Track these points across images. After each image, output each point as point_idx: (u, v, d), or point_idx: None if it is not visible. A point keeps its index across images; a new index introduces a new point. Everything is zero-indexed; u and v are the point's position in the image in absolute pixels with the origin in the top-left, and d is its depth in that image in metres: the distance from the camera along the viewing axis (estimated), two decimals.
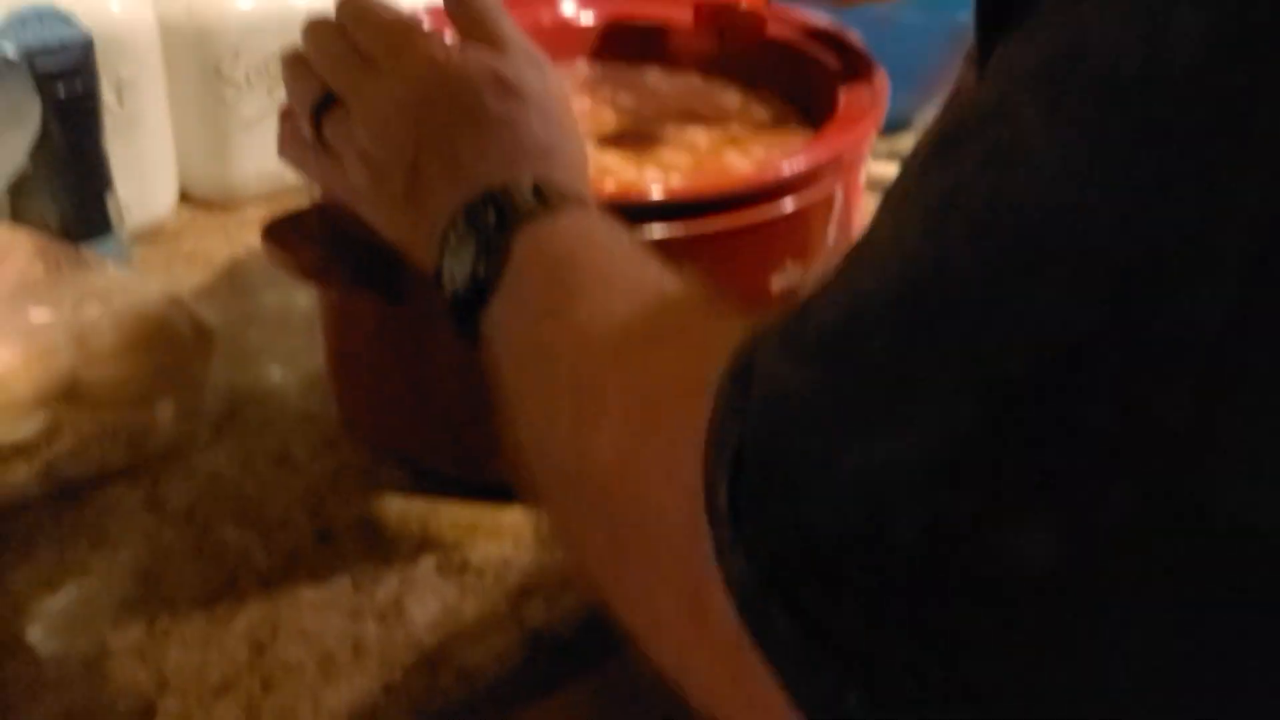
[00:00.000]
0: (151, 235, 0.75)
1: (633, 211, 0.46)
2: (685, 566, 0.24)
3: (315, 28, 0.48)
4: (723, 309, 0.31)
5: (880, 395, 0.20)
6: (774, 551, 0.21)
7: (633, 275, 0.35)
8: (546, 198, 0.38)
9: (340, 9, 0.47)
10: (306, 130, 0.47)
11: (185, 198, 0.79)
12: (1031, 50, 0.21)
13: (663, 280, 0.34)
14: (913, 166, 0.23)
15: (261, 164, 0.79)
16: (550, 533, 0.36)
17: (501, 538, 0.56)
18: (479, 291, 0.38)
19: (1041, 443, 0.18)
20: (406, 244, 0.45)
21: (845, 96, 0.60)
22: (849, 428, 0.20)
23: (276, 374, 0.66)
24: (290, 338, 0.69)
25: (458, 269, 0.39)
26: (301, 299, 0.71)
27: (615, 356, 0.31)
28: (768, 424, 0.22)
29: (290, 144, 0.49)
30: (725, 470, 0.22)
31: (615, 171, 0.60)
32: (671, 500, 0.25)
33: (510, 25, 0.46)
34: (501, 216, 0.38)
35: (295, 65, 0.48)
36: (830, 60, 0.65)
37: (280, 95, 0.77)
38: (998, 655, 0.19)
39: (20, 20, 0.59)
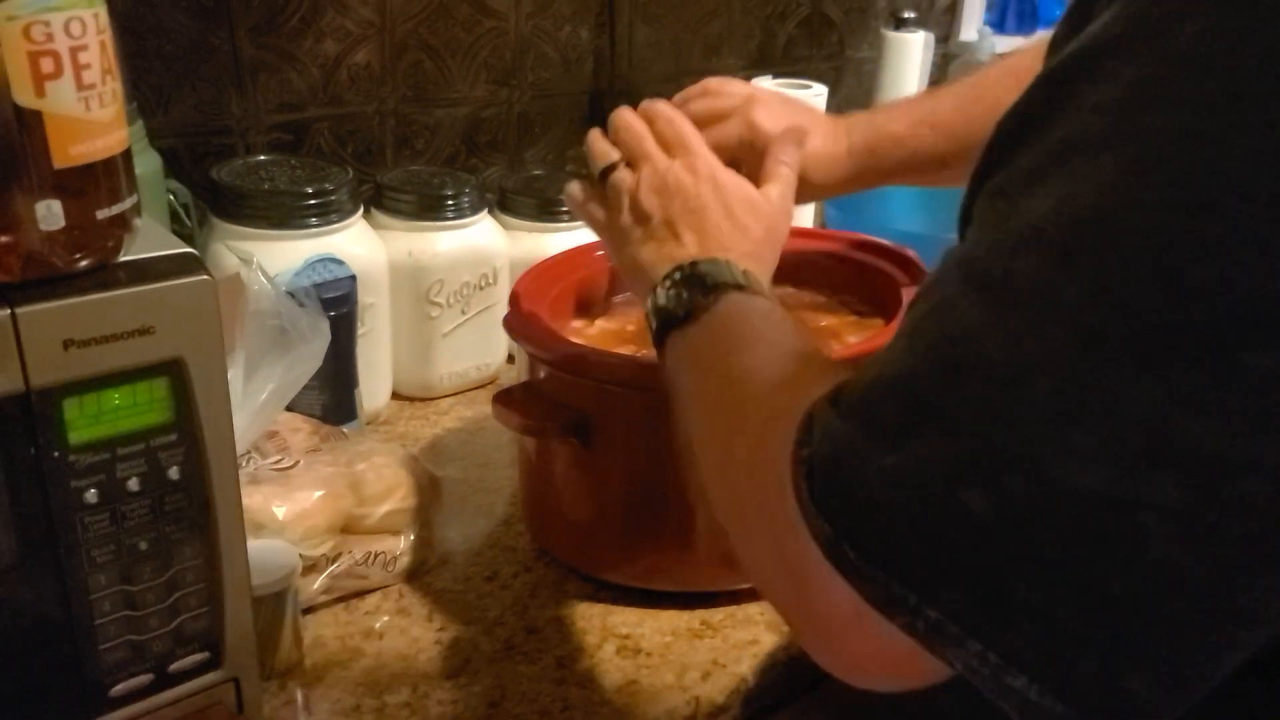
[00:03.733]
0: (373, 420, 0.97)
1: None
2: (774, 520, 0.40)
3: (628, 114, 0.68)
4: (827, 369, 0.47)
5: (885, 437, 0.36)
6: (838, 515, 0.36)
7: (782, 342, 0.52)
8: (749, 281, 0.58)
9: (650, 107, 0.68)
10: (589, 185, 0.67)
11: (394, 394, 1.01)
12: (960, 248, 0.37)
13: (798, 345, 0.51)
14: (907, 309, 0.40)
15: (453, 367, 1.02)
16: (701, 494, 0.50)
17: (664, 631, 0.73)
18: (684, 318, 0.55)
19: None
20: (629, 271, 0.64)
21: (907, 295, 0.81)
22: (869, 453, 0.36)
23: (477, 521, 0.85)
24: (483, 495, 0.89)
25: (673, 298, 0.57)
26: (485, 468, 0.91)
27: (756, 390, 0.48)
28: (825, 451, 0.38)
29: (573, 193, 0.69)
30: (804, 480, 0.38)
31: None
32: (772, 477, 0.39)
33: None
34: (718, 279, 0.57)
35: (597, 139, 0.69)
36: (894, 270, 0.86)
37: (469, 312, 1.00)
38: (951, 567, 0.34)
39: (311, 265, 0.83)
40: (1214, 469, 0.31)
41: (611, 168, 0.66)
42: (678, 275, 0.58)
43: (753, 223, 0.63)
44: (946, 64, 1.52)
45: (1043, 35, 1.44)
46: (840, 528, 0.36)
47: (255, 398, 0.72)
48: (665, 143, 0.66)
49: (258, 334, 0.73)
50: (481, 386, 1.04)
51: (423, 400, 1.02)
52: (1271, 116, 0.30)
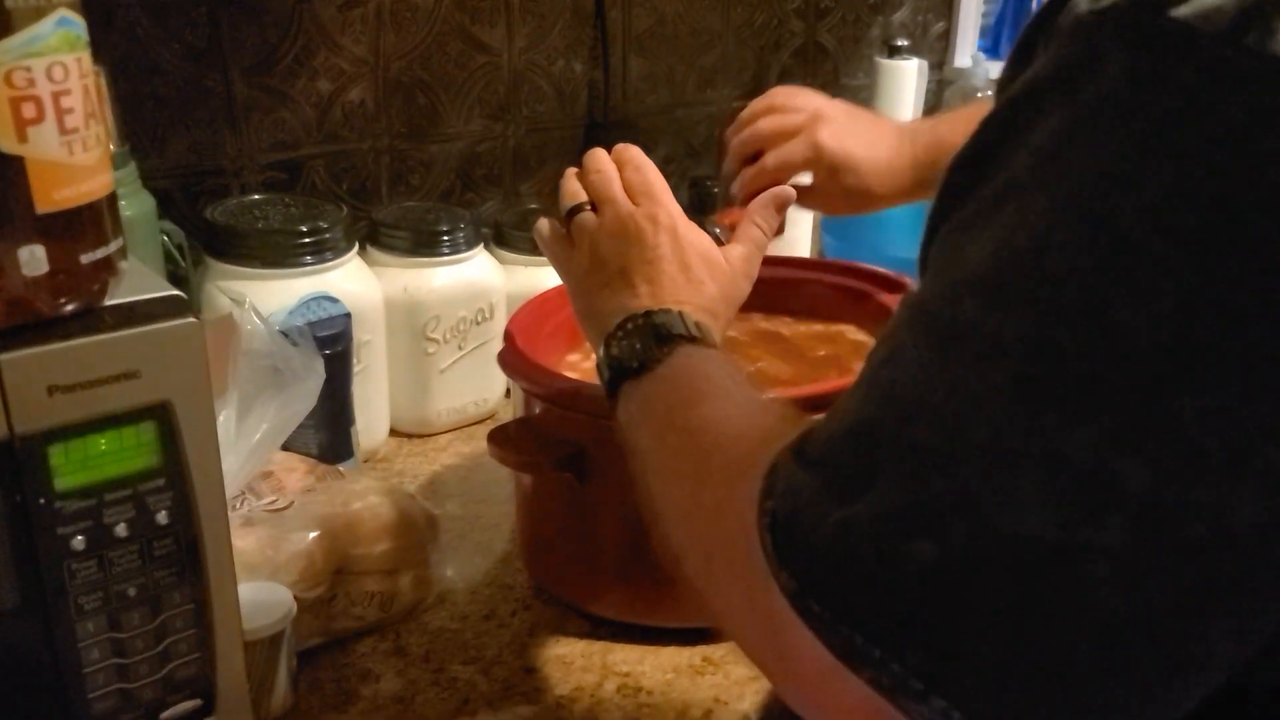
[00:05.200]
0: (370, 458, 0.97)
1: None
2: (745, 573, 0.39)
3: (601, 156, 0.67)
4: (788, 417, 0.47)
5: (842, 488, 0.35)
6: (801, 568, 0.36)
7: (739, 393, 0.52)
8: (702, 333, 0.57)
9: (622, 152, 0.67)
10: (558, 223, 0.66)
11: (391, 431, 1.01)
12: (914, 294, 0.37)
13: (755, 398, 0.52)
14: (869, 353, 0.39)
15: (450, 403, 1.01)
16: (664, 545, 0.49)
17: (665, 668, 0.72)
18: (638, 369, 0.54)
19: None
20: (585, 316, 0.63)
21: None
22: (826, 505, 0.35)
23: (475, 558, 0.85)
24: (480, 533, 0.88)
25: (627, 348, 0.56)
26: (484, 505, 0.91)
27: (721, 441, 0.48)
28: (787, 504, 0.37)
29: (542, 230, 0.68)
30: (767, 531, 0.37)
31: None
32: (741, 534, 0.39)
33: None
34: (672, 330, 0.56)
35: (570, 178, 0.68)
36: (891, 298, 0.85)
37: (466, 348, 1.00)
38: (909, 620, 0.33)
39: (305, 303, 0.83)
40: (1158, 513, 0.30)
41: (578, 209, 0.66)
42: (630, 325, 0.57)
43: (708, 279, 0.62)
44: (941, 90, 1.53)
45: (985, 72, 1.43)
46: (803, 581, 0.35)
47: (248, 439, 0.72)
48: (631, 189, 0.65)
49: (251, 374, 0.73)
50: (480, 422, 1.03)
51: (420, 437, 1.01)
52: (1188, 157, 0.30)
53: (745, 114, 0.80)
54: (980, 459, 0.32)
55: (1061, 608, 0.31)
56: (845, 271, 0.92)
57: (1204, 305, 0.29)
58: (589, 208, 0.65)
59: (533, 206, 1.14)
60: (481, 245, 1.02)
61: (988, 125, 0.36)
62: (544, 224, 0.69)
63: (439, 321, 0.97)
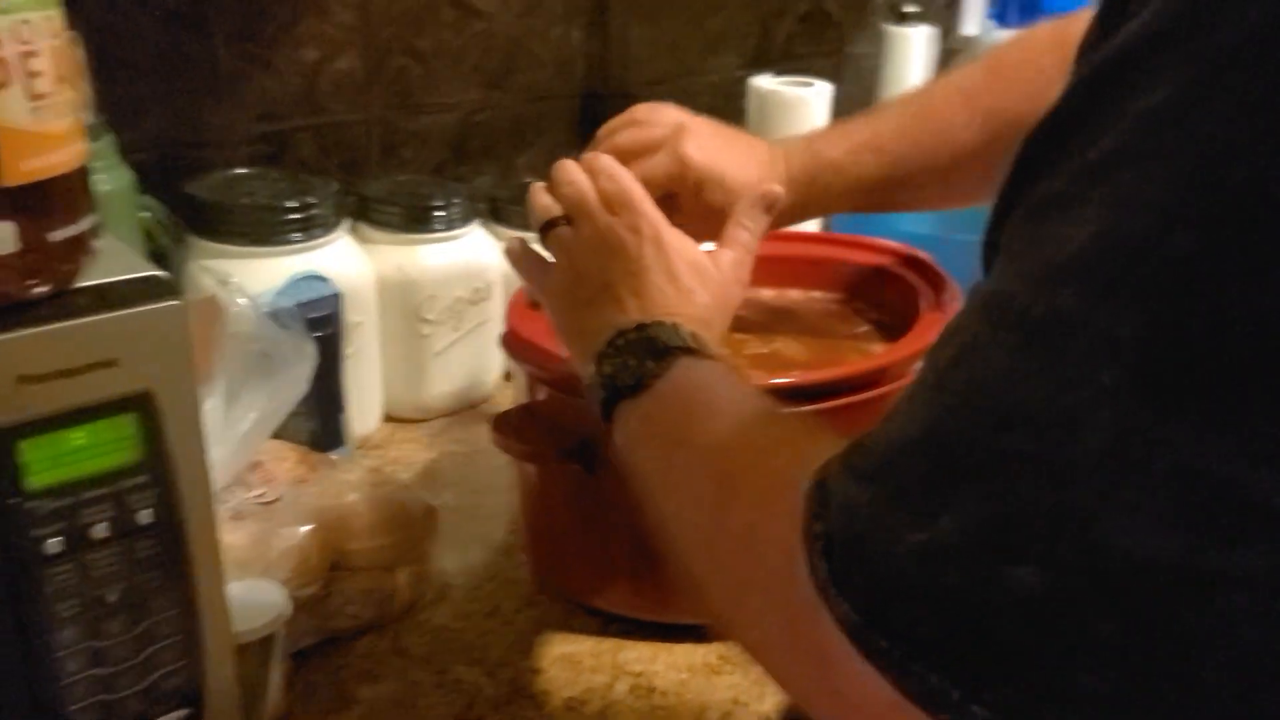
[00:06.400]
0: (363, 445, 0.93)
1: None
2: (786, 603, 0.35)
3: (570, 167, 0.63)
4: (812, 429, 0.43)
5: (916, 505, 0.31)
6: (866, 600, 0.32)
7: (750, 404, 0.48)
8: (699, 344, 0.53)
9: (593, 160, 0.62)
10: (530, 241, 0.62)
11: (387, 416, 0.97)
12: (986, 284, 0.33)
13: (769, 408, 0.48)
14: (926, 356, 0.35)
15: (447, 386, 0.97)
16: (681, 581, 0.45)
17: (679, 667, 0.68)
18: (635, 387, 0.50)
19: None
20: (569, 336, 0.59)
21: (924, 304, 0.77)
22: (897, 525, 0.31)
23: (476, 551, 0.81)
24: (481, 524, 0.84)
25: (620, 366, 0.52)
26: (485, 493, 0.87)
27: (744, 458, 0.44)
28: (844, 525, 0.33)
29: (513, 250, 0.64)
30: (821, 557, 0.33)
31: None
32: (780, 555, 0.35)
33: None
34: (667, 343, 0.52)
35: (539, 191, 0.63)
36: (909, 275, 0.81)
37: (463, 329, 0.96)
38: (1000, 657, 0.29)
39: (294, 283, 0.79)
40: None
41: (552, 224, 0.61)
42: (621, 341, 0.53)
43: (699, 287, 0.58)
44: (949, 60, 1.48)
45: (994, 40, 1.39)
46: (868, 612, 0.32)
47: (237, 428, 0.68)
48: (608, 199, 0.60)
49: (238, 359, 0.69)
50: (476, 406, 0.99)
51: (415, 422, 0.97)
52: None
53: (603, 130, 0.74)
54: (1094, 470, 0.28)
55: (1188, 644, 0.27)
56: (861, 247, 0.87)
57: None
58: (564, 222, 0.61)
59: (529, 180, 1.09)
60: (477, 221, 0.97)
61: (1074, 92, 0.32)
62: (514, 242, 0.65)
63: (434, 301, 0.93)
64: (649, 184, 0.69)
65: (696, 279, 0.59)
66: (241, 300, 0.69)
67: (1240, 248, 0.27)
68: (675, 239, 0.60)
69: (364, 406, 0.92)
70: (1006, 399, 0.30)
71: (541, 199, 0.63)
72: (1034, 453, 0.29)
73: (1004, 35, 1.46)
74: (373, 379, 0.93)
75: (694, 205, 0.71)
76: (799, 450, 0.38)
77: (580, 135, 1.18)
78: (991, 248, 0.35)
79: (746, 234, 0.64)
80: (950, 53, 1.48)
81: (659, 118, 0.73)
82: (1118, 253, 0.29)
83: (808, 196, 0.71)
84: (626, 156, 0.70)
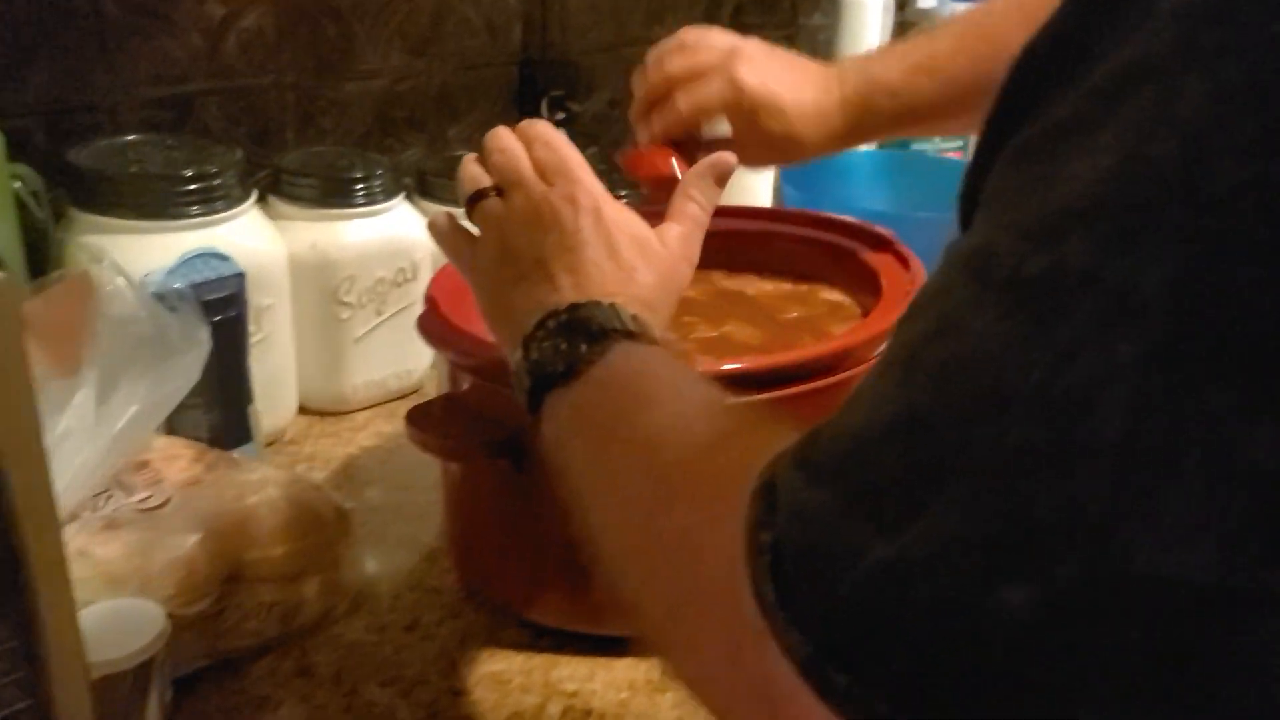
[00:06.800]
0: (275, 440, 0.85)
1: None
2: (727, 626, 0.30)
3: (504, 134, 0.57)
4: (767, 420, 0.38)
5: (881, 509, 0.26)
6: (820, 628, 0.26)
7: (696, 393, 0.42)
8: (640, 326, 0.47)
9: (529, 128, 0.57)
10: (458, 213, 0.56)
11: (301, 409, 0.89)
12: (966, 240, 0.27)
13: (717, 398, 0.42)
14: (895, 329, 0.29)
15: (368, 375, 0.89)
16: (612, 596, 0.39)
17: (618, 685, 0.61)
18: (565, 373, 0.45)
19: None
20: (496, 319, 0.53)
21: (886, 284, 0.70)
22: (858, 534, 0.26)
23: (397, 556, 0.73)
24: (404, 525, 0.76)
25: (549, 350, 0.46)
26: (408, 492, 0.79)
27: (681, 455, 0.38)
28: (796, 535, 0.27)
29: (437, 223, 0.58)
30: (767, 571, 0.27)
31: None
32: (721, 569, 0.30)
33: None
34: (603, 324, 0.46)
35: (469, 161, 0.57)
36: (868, 251, 0.75)
37: (386, 313, 0.88)
38: (987, 696, 0.23)
39: (188, 261, 0.70)
40: None
41: (480, 195, 0.55)
42: (552, 323, 0.47)
43: (642, 264, 0.52)
44: (904, 32, 1.42)
45: (952, 12, 1.34)
46: (822, 642, 0.26)
47: (112, 424, 0.59)
48: (543, 169, 0.54)
49: (115, 346, 0.60)
50: (403, 397, 0.91)
51: (335, 415, 0.89)
52: None
53: (651, 55, 0.70)
54: (1110, 466, 0.22)
55: (1217, 680, 0.22)
56: (817, 223, 0.81)
57: None
58: (494, 193, 0.55)
59: (460, 153, 1.01)
60: (402, 195, 0.90)
61: (1075, 3, 0.26)
62: (439, 216, 0.58)
63: (353, 283, 0.85)
64: (703, 111, 0.67)
65: (640, 256, 0.52)
66: (119, 279, 0.60)
67: None
68: (617, 212, 0.53)
69: (276, 398, 0.83)
70: (996, 377, 0.24)
71: (471, 169, 0.57)
72: (1032, 444, 0.23)
73: (962, 8, 1.40)
74: (286, 367, 0.85)
75: (749, 132, 0.68)
76: (748, 444, 0.33)
77: (518, 104, 1.11)
78: (970, 200, 0.29)
79: (696, 207, 0.57)
80: (906, 25, 1.42)
81: (710, 41, 0.69)
82: (1140, 188, 0.23)
83: (861, 121, 0.68)
84: (677, 83, 0.67)
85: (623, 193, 0.96)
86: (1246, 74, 0.22)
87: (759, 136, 0.67)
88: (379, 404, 0.91)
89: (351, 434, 0.87)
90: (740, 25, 1.24)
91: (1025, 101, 0.27)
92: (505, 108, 1.10)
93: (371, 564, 0.71)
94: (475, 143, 1.08)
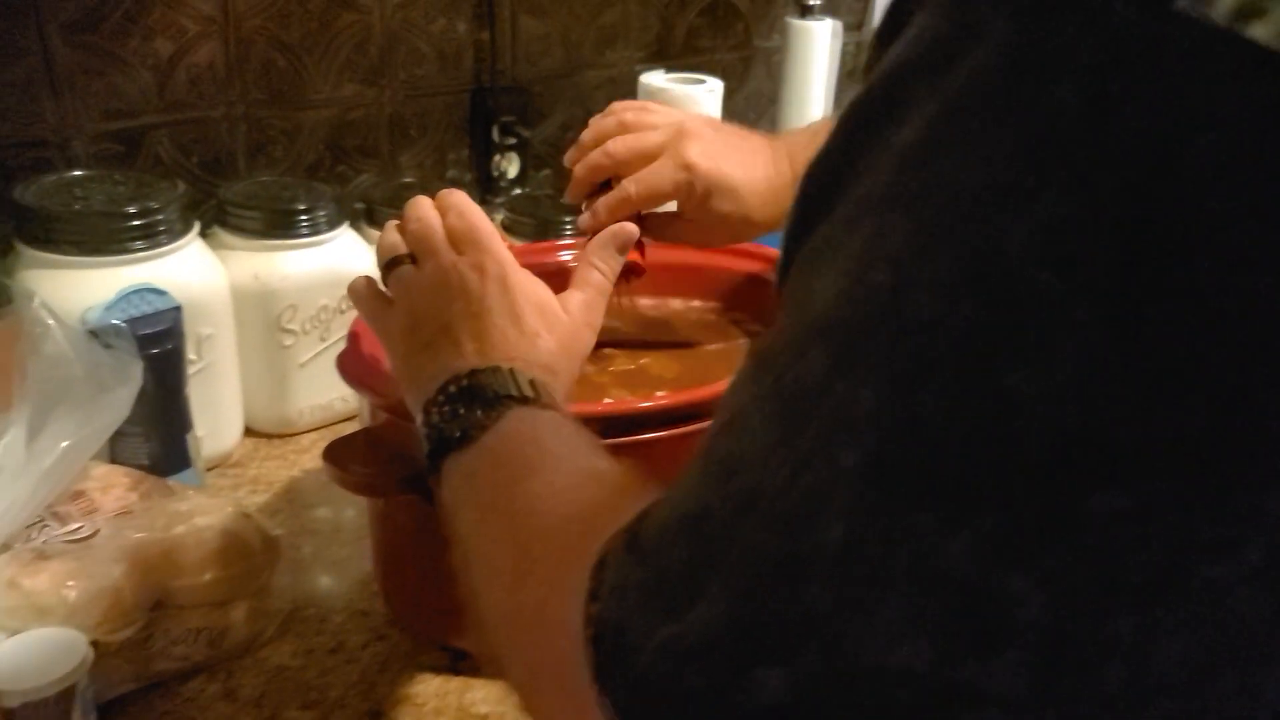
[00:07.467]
0: (221, 463, 0.87)
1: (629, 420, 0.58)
2: (574, 695, 0.31)
3: (422, 204, 0.59)
4: (625, 492, 0.38)
5: (671, 594, 0.28)
6: (624, 702, 0.28)
7: (576, 463, 0.44)
8: (538, 392, 0.49)
9: (445, 197, 0.58)
10: (376, 279, 0.59)
11: (248, 431, 0.91)
12: (764, 338, 0.29)
13: (600, 468, 0.43)
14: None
15: (313, 399, 0.92)
16: (489, 658, 0.41)
17: None
18: (460, 439, 0.46)
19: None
20: (407, 380, 0.54)
21: None
22: (652, 616, 0.28)
23: (330, 579, 0.76)
24: (341, 548, 0.79)
25: (449, 414, 0.48)
26: (349, 514, 0.82)
27: (545, 525, 0.40)
28: (613, 611, 0.30)
29: (355, 288, 0.60)
30: (591, 644, 0.29)
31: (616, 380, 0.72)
32: (568, 644, 0.31)
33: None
34: (499, 390, 0.48)
35: (389, 229, 0.59)
36: None
37: (330, 339, 0.91)
38: None
39: (125, 297, 0.73)
40: (1063, 650, 0.22)
41: (395, 262, 0.57)
42: (453, 388, 0.49)
43: (544, 331, 0.54)
44: (859, 54, 1.45)
45: None
46: (625, 712, 0.28)
47: (43, 459, 0.62)
48: (455, 237, 0.56)
49: (46, 383, 0.63)
50: (350, 419, 0.94)
51: (281, 437, 0.92)
52: (1091, 164, 0.22)
53: (588, 135, 0.69)
54: (830, 569, 0.24)
55: None
56: (743, 255, 0.84)
57: (1116, 370, 0.22)
58: (409, 260, 0.57)
59: (408, 180, 1.04)
60: (346, 224, 0.92)
61: (845, 123, 0.28)
62: (358, 280, 0.60)
63: (296, 311, 0.88)
64: (656, 197, 0.66)
65: (542, 321, 0.54)
66: (49, 320, 0.63)
67: (979, 313, 0.23)
68: (523, 280, 0.55)
69: (220, 423, 0.86)
70: (754, 480, 0.26)
71: (390, 236, 0.59)
72: (771, 545, 0.25)
73: None
74: (230, 393, 0.87)
75: (700, 213, 0.68)
76: (603, 518, 0.34)
77: (469, 131, 1.13)
78: (779, 302, 0.31)
79: (599, 275, 0.60)
80: (860, 47, 1.44)
81: (651, 120, 0.68)
82: (857, 314, 0.25)
83: None
84: (622, 167, 0.67)
85: (566, 218, 0.99)
86: (944, 212, 0.24)
87: (711, 218, 0.67)
88: (325, 426, 0.93)
89: (297, 456, 0.90)
90: (693, 49, 1.26)
91: (807, 216, 0.29)
92: (458, 134, 1.13)
93: (306, 586, 0.74)
94: (429, 168, 1.11)
